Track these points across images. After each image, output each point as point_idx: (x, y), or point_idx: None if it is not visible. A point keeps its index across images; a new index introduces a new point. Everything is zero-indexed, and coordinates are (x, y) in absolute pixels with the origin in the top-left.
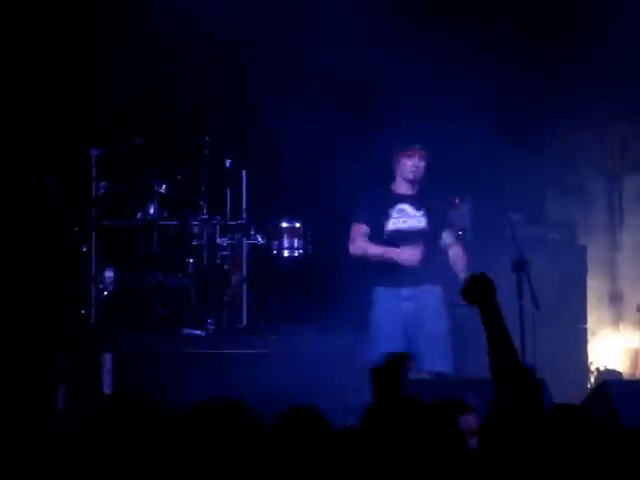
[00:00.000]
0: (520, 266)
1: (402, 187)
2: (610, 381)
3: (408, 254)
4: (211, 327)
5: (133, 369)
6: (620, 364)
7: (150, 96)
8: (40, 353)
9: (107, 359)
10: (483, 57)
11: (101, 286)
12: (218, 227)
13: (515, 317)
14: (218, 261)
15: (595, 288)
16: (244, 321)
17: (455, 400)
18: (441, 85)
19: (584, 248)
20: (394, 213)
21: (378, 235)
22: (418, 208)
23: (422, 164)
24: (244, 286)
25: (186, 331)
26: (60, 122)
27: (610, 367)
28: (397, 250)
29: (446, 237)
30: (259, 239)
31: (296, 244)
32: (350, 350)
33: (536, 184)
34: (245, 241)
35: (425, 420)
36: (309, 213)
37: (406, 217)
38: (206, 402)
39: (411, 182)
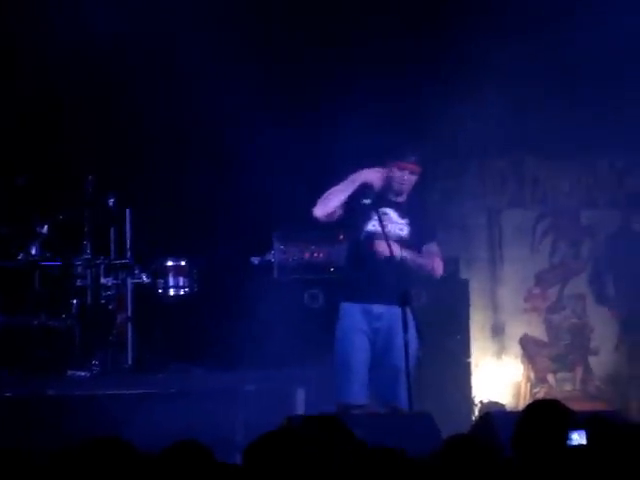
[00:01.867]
0: (405, 300)
1: (389, 194)
2: (493, 412)
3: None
4: (96, 368)
5: (17, 412)
6: (503, 396)
7: (32, 134)
8: None
9: None
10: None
11: None
12: (102, 267)
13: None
14: (102, 301)
15: (478, 321)
16: (129, 361)
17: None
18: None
19: (466, 282)
20: (379, 217)
21: (355, 235)
22: (402, 217)
23: (413, 179)
24: (129, 325)
25: (71, 373)
26: None
27: (493, 399)
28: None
29: (427, 248)
30: (144, 278)
31: (182, 282)
32: (238, 386)
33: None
34: (130, 280)
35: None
36: (195, 250)
37: (388, 222)
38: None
39: (398, 193)
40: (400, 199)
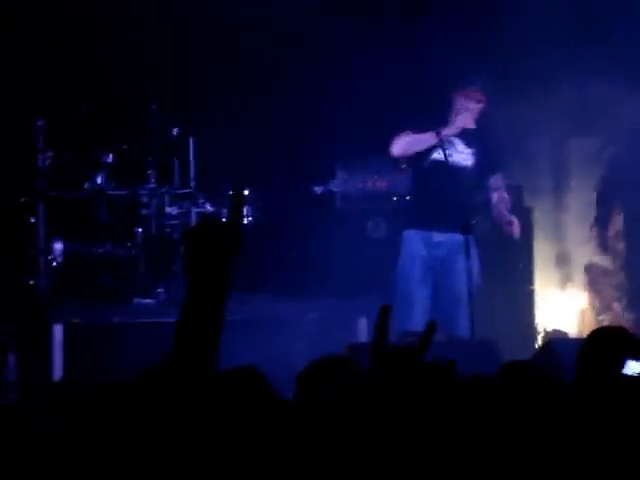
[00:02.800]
0: (467, 228)
1: (470, 120)
2: (556, 339)
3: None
4: (161, 296)
5: (84, 340)
6: (568, 325)
7: (96, 64)
8: None
9: (57, 330)
10: None
11: (50, 257)
12: (166, 196)
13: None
14: (167, 230)
15: (542, 250)
16: None
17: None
18: None
19: (530, 210)
20: (445, 144)
21: (419, 163)
22: (468, 146)
23: (479, 107)
24: None
25: (137, 301)
26: (3, 91)
27: (557, 328)
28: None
29: (494, 180)
30: (208, 207)
31: (245, 211)
32: (300, 315)
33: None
34: (194, 209)
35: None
36: (258, 180)
37: (453, 151)
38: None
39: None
40: (467, 128)
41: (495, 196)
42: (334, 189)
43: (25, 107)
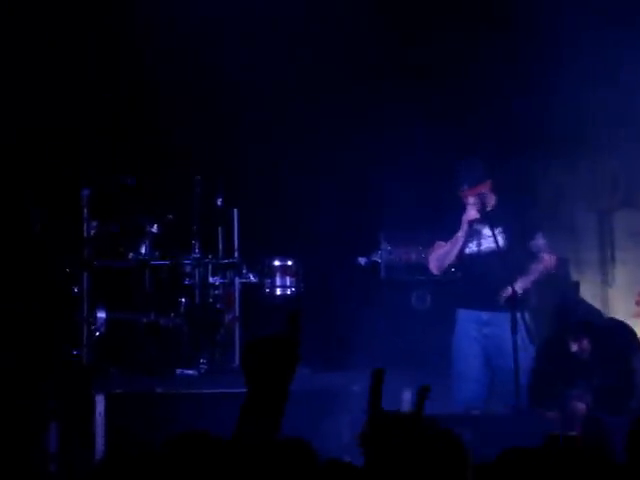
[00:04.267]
0: (514, 302)
1: (473, 212)
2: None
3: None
4: (204, 367)
5: (126, 410)
6: None
7: (141, 135)
8: (32, 394)
9: (100, 400)
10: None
11: (93, 327)
12: (210, 266)
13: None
14: (210, 300)
15: None
16: (237, 360)
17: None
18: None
19: (577, 284)
20: (470, 237)
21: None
22: (494, 227)
23: (478, 199)
24: (237, 325)
25: (179, 371)
26: (51, 161)
27: None
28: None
29: (535, 242)
30: (251, 277)
31: (289, 282)
32: (344, 387)
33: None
34: (237, 280)
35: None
36: (301, 251)
37: (480, 239)
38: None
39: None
40: (488, 212)
41: (538, 268)
42: (378, 260)
43: (71, 177)
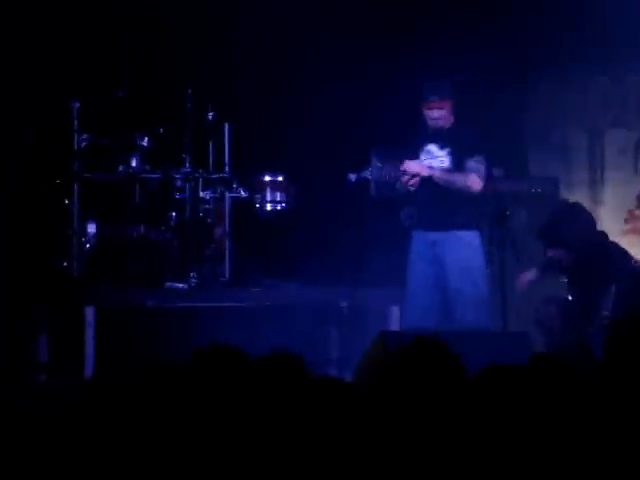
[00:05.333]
0: (501, 220)
1: (429, 130)
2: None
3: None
4: (194, 281)
5: (115, 322)
6: None
7: (132, 48)
8: (21, 304)
9: (89, 312)
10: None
11: (83, 239)
12: (201, 180)
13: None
14: (201, 214)
15: None
16: (226, 274)
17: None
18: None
19: (571, 203)
20: (421, 155)
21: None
22: (443, 146)
23: (442, 113)
24: (227, 239)
25: (169, 284)
26: (41, 74)
27: None
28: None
29: (467, 163)
30: (242, 192)
31: (279, 197)
32: (332, 302)
33: (517, 140)
34: (228, 194)
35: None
36: (293, 166)
37: (431, 158)
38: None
39: (435, 128)
40: (441, 129)
41: (460, 179)
42: (369, 176)
43: (61, 89)
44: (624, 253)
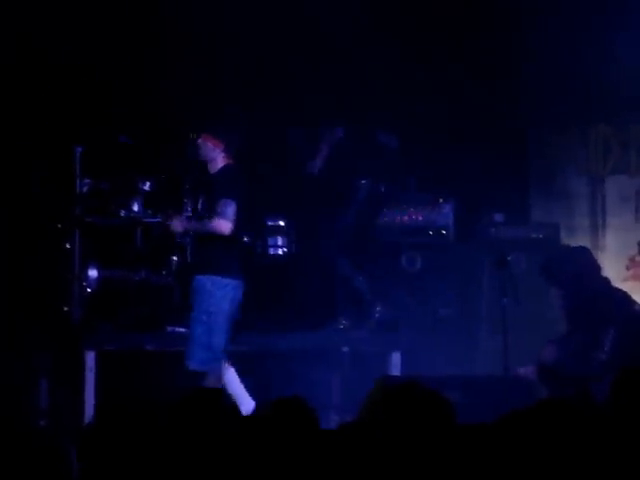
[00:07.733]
0: (502, 265)
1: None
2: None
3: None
4: None
5: (116, 367)
6: None
7: (135, 94)
8: (22, 350)
9: (90, 357)
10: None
11: (84, 284)
12: None
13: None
14: None
15: None
16: None
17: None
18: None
19: (574, 248)
20: None
21: None
22: (204, 193)
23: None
24: None
25: (170, 329)
26: (44, 119)
27: None
28: None
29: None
30: (244, 237)
31: (280, 242)
32: (335, 348)
33: (519, 186)
34: None
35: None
36: (293, 212)
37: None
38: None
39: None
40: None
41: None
42: None
43: (65, 134)
44: (626, 296)
